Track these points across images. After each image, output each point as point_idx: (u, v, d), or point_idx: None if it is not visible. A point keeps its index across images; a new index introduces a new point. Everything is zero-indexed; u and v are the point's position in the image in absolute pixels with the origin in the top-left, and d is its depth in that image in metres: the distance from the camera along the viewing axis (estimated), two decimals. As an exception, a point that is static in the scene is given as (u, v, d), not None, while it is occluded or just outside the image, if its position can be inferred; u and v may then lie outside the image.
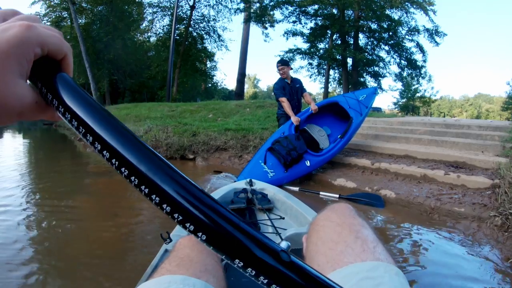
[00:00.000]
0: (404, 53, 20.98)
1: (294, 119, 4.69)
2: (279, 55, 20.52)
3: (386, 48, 21.31)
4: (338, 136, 4.73)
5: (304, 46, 20.69)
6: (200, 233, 0.29)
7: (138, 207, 3.40)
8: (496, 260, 2.35)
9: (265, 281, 0.30)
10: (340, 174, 4.65)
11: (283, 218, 2.07)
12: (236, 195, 2.32)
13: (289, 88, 4.96)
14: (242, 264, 0.30)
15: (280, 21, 20.87)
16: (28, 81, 0.32)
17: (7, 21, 0.34)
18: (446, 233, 2.86)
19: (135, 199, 3.66)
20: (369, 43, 21.70)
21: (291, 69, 5.12)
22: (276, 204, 2.31)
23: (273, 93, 4.92)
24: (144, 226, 2.91)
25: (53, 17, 22.79)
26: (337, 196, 3.77)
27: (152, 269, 1.22)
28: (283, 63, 5.00)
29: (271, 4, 19.62)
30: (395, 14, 19.96)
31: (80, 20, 21.87)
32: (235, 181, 3.92)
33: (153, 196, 0.28)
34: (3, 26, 0.32)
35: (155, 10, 24.69)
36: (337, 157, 4.96)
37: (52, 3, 22.15)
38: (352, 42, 20.55)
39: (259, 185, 2.56)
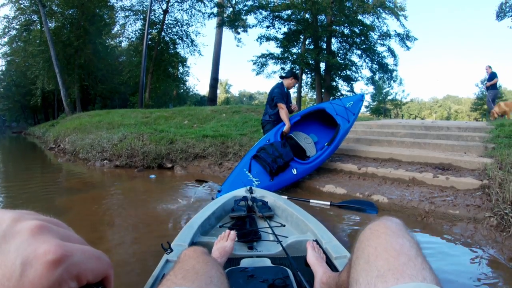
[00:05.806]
0: (376, 57, 21.30)
1: (288, 126, 4.60)
2: (252, 60, 20.42)
3: (359, 52, 21.58)
4: (325, 144, 4.62)
5: (277, 51, 20.63)
6: None
7: (126, 222, 3.16)
8: (499, 261, 2.31)
9: None
10: (327, 180, 4.54)
11: (284, 226, 2.07)
12: (236, 203, 2.31)
13: (287, 97, 4.90)
14: None
15: (253, 26, 20.70)
16: None
17: (20, 238, 0.27)
18: (444, 237, 2.80)
19: (118, 213, 3.43)
20: (342, 47, 21.91)
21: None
22: (276, 212, 2.29)
23: (272, 97, 4.78)
24: (138, 239, 2.72)
25: (23, 20, 21.70)
26: (329, 203, 3.65)
27: (154, 280, 1.23)
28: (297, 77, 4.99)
29: (244, 9, 19.49)
30: (367, 19, 20.25)
31: (50, 24, 20.78)
32: (219, 191, 3.76)
33: None
34: (20, 255, 0.26)
35: (127, 14, 23.95)
36: (322, 162, 4.86)
37: (22, 5, 21.05)
38: (325, 46, 20.67)
39: (259, 192, 2.55)
